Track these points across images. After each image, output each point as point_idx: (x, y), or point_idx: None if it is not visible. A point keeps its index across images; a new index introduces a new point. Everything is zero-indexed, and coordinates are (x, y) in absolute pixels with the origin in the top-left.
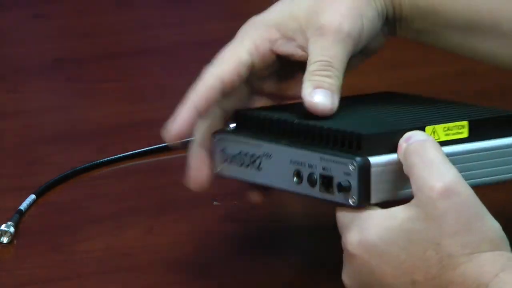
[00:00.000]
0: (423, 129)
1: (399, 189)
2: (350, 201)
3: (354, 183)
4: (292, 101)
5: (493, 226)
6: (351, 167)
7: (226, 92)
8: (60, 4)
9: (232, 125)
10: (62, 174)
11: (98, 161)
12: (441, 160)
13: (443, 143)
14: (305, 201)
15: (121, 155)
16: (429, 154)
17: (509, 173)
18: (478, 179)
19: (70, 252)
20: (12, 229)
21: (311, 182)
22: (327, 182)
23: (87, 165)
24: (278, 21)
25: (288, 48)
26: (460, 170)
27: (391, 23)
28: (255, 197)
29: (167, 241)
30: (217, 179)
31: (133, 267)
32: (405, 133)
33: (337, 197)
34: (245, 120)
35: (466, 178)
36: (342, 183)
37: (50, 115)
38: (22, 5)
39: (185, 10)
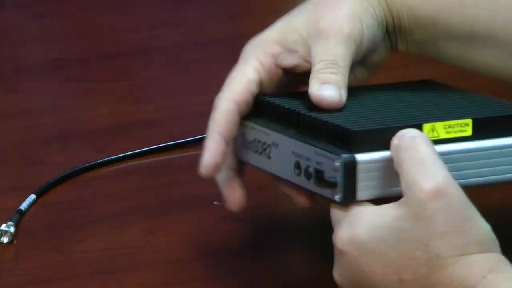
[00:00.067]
0: (420, 126)
1: (392, 186)
2: (336, 198)
3: (340, 179)
4: None
5: (482, 227)
6: (336, 163)
7: (242, 111)
8: (60, 4)
9: None
10: (62, 174)
11: (98, 161)
12: (432, 159)
13: (444, 141)
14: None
15: (121, 155)
16: (420, 152)
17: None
18: (480, 178)
19: (70, 252)
20: (12, 229)
21: (307, 175)
22: (320, 176)
23: (87, 165)
24: (278, 36)
25: (291, 60)
26: (460, 169)
27: (392, 36)
28: (301, 201)
29: (167, 241)
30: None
31: (133, 267)
32: (398, 130)
33: (326, 192)
34: (262, 107)
35: (466, 177)
36: (330, 179)
37: (50, 115)
38: (22, 5)
39: (185, 10)
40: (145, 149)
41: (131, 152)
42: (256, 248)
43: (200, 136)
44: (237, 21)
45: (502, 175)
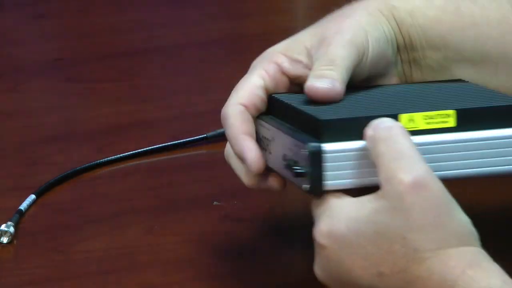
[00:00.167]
0: (395, 116)
1: (366, 176)
2: (304, 186)
3: (308, 168)
4: None
5: (461, 221)
6: (303, 152)
7: (252, 114)
8: (60, 4)
9: None
10: (62, 174)
11: (98, 161)
12: (410, 151)
13: (424, 132)
14: (305, 201)
15: (121, 155)
16: (398, 144)
17: (498, 165)
18: (463, 171)
19: (70, 252)
20: (12, 229)
21: (289, 166)
22: (294, 165)
23: (87, 165)
24: (284, 47)
25: (295, 70)
26: (441, 160)
27: (406, 63)
28: (273, 182)
29: (167, 241)
30: (218, 179)
31: (133, 267)
32: (371, 120)
33: (298, 181)
34: (270, 104)
35: (447, 169)
36: (299, 168)
37: (50, 115)
38: (22, 5)
39: (185, 10)
40: (145, 149)
41: (131, 152)
42: (256, 248)
43: (200, 136)
44: (237, 21)
45: (486, 168)
